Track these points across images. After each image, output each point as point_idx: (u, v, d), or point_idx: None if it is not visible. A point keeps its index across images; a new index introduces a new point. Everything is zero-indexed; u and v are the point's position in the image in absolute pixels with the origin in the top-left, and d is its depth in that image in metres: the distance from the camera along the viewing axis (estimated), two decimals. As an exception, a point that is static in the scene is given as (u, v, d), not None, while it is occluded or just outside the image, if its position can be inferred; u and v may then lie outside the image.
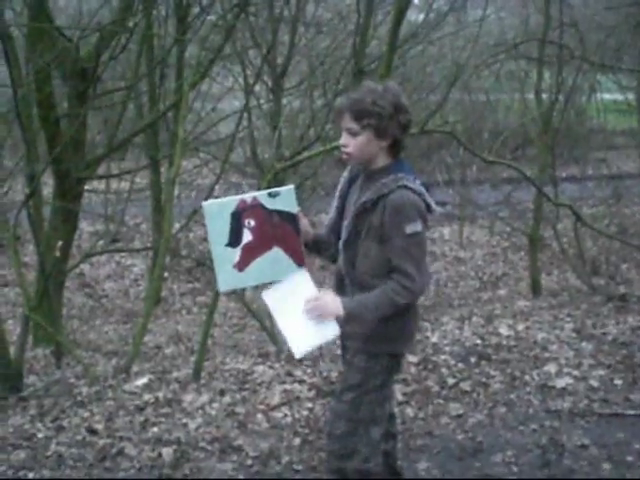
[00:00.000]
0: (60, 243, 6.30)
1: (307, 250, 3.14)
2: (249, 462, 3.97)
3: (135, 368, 5.50)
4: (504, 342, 5.62)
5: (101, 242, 11.96)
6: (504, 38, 11.75)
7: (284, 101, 11.10)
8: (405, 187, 2.90)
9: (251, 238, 3.00)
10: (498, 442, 4.15)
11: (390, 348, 3.06)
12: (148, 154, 10.07)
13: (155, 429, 4.30)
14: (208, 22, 8.67)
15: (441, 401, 4.65)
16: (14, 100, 5.42)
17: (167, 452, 4.03)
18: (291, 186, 3.07)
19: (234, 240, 2.99)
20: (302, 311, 2.95)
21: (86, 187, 7.77)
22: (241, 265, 3.02)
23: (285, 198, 3.02)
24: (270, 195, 3.00)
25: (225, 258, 3.00)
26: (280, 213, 3.02)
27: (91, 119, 8.87)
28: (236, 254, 3.01)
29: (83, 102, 6.79)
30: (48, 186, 8.51)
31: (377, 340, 3.03)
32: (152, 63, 8.92)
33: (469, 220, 12.77)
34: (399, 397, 4.62)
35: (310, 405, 4.59)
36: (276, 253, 3.03)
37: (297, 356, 3.00)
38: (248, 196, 3.00)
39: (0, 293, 9.77)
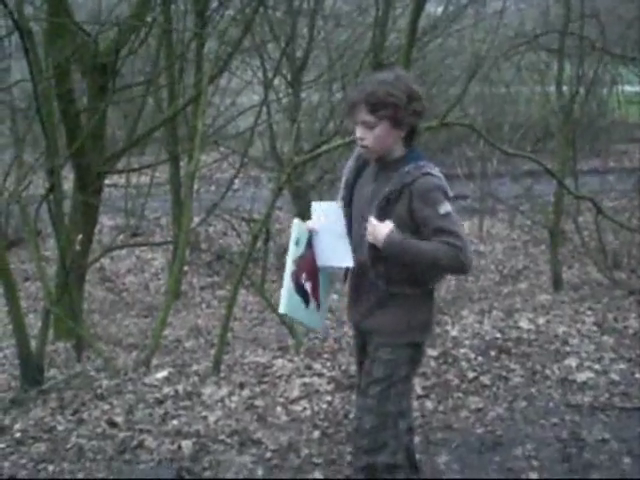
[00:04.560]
0: (80, 237, 6.34)
1: None
2: (268, 455, 3.97)
3: (155, 361, 5.52)
4: (524, 336, 5.59)
5: (121, 236, 12.00)
6: (524, 30, 11.64)
7: (303, 95, 11.09)
8: (429, 174, 2.91)
9: (310, 285, 3.16)
10: (518, 436, 4.13)
11: (413, 337, 3.06)
12: (168, 148, 10.10)
13: (175, 422, 4.32)
14: (227, 16, 8.70)
15: (461, 395, 4.63)
16: (34, 95, 5.45)
17: (186, 445, 4.04)
18: (295, 220, 3.16)
19: (307, 301, 3.16)
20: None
21: (106, 181, 7.81)
22: (319, 304, 3.22)
23: (301, 232, 3.12)
24: (296, 244, 3.10)
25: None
26: (308, 245, 3.16)
27: (111, 114, 8.90)
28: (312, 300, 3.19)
29: (103, 97, 6.81)
30: (68, 180, 8.55)
31: (400, 331, 3.02)
32: (171, 57, 8.94)
33: (489, 213, 12.71)
34: (419, 391, 4.61)
35: (329, 398, 4.58)
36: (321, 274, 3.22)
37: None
38: (290, 266, 3.08)
39: (21, 287, 9.83)
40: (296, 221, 3.15)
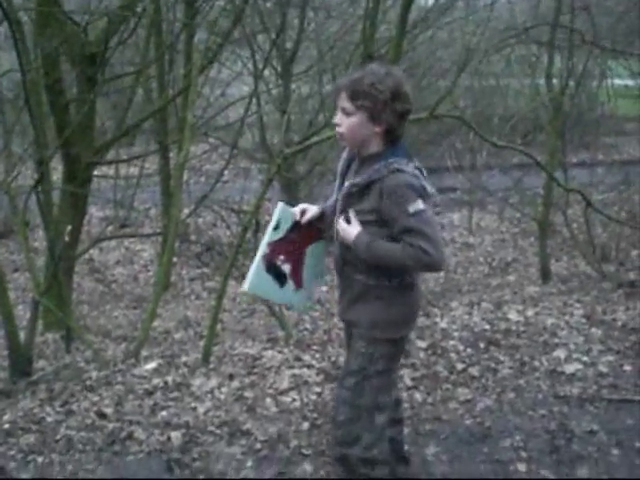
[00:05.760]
0: (69, 228, 6.31)
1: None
2: (258, 446, 3.97)
3: (144, 353, 5.52)
4: (513, 328, 5.61)
5: (110, 227, 11.97)
6: (514, 22, 11.64)
7: (293, 86, 11.07)
8: (398, 170, 2.86)
9: (290, 267, 3.22)
10: (507, 427, 4.15)
11: (390, 333, 3.05)
12: (157, 139, 10.07)
13: (164, 413, 4.31)
14: (217, 6, 8.66)
15: (450, 386, 4.65)
16: (23, 85, 5.41)
17: (176, 436, 4.04)
18: (279, 204, 3.22)
19: (282, 281, 3.21)
20: None
21: (95, 172, 7.77)
22: (298, 285, 3.27)
23: (284, 217, 3.18)
24: (275, 229, 3.16)
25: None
26: (292, 229, 3.20)
27: (100, 104, 8.86)
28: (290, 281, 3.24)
29: (92, 87, 6.77)
30: (57, 171, 8.50)
31: (378, 325, 3.02)
32: (161, 48, 8.90)
33: (478, 206, 12.72)
34: (408, 382, 4.62)
35: (319, 390, 4.59)
36: (309, 251, 3.28)
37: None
38: (264, 248, 3.14)
39: (10, 278, 9.79)
40: (281, 205, 3.20)
